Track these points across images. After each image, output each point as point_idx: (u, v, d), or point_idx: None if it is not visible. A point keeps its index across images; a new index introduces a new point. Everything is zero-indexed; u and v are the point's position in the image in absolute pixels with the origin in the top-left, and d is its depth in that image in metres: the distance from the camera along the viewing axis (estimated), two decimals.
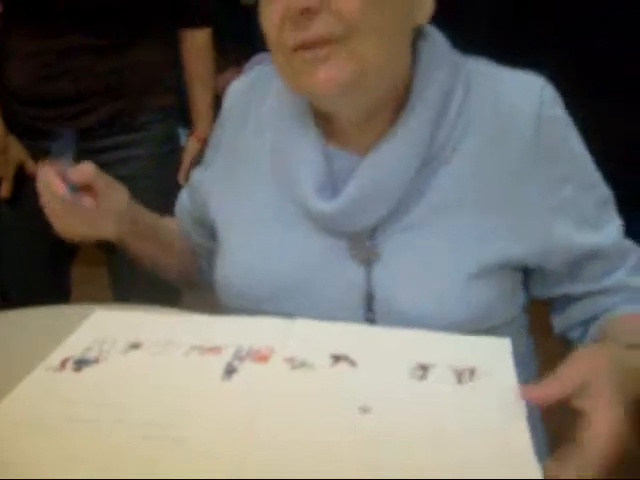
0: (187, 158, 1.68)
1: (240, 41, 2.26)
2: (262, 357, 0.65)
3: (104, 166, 1.48)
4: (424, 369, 0.62)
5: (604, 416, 0.52)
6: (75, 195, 0.81)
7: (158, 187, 1.55)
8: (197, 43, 1.65)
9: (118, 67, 1.52)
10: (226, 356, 0.66)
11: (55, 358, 0.69)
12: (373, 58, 0.67)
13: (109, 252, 1.55)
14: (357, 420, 0.57)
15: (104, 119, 1.53)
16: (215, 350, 0.67)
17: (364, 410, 0.58)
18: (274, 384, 0.62)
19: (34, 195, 0.84)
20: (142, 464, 0.53)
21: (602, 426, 0.52)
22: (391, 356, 0.65)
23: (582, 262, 0.76)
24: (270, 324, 0.72)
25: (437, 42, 0.75)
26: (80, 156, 1.42)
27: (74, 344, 0.71)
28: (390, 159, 0.70)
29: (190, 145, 1.70)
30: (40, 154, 1.49)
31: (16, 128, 1.56)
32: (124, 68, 1.53)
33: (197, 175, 0.95)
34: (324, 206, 0.72)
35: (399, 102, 0.73)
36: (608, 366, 0.56)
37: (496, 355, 0.64)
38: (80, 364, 0.67)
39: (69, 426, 0.58)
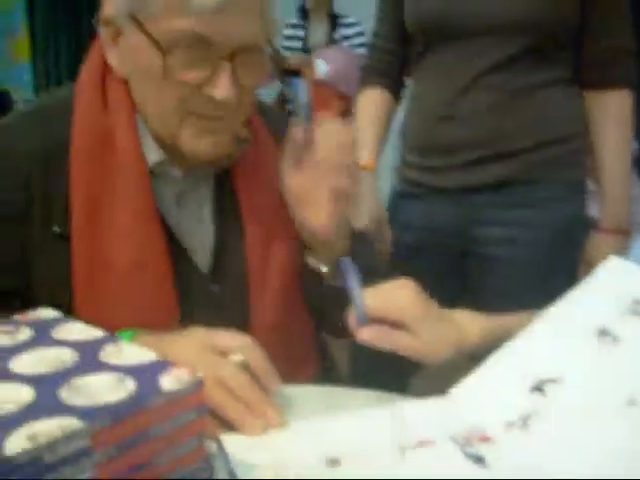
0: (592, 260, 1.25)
1: None
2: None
3: (477, 241, 1.32)
4: (605, 333, 0.60)
5: None
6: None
7: (543, 278, 1.24)
8: (616, 106, 1.28)
9: (521, 107, 1.24)
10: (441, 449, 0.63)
11: None
12: None
13: None
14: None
15: (493, 180, 1.26)
16: (428, 443, 0.64)
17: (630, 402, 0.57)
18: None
19: None
20: None
21: None
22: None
23: None
24: None
25: None
26: (456, 220, 1.32)
27: None
28: None
29: (595, 242, 1.29)
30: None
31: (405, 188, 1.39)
32: (528, 108, 1.24)
33: None
34: None
35: None
36: None
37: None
38: None
39: None
